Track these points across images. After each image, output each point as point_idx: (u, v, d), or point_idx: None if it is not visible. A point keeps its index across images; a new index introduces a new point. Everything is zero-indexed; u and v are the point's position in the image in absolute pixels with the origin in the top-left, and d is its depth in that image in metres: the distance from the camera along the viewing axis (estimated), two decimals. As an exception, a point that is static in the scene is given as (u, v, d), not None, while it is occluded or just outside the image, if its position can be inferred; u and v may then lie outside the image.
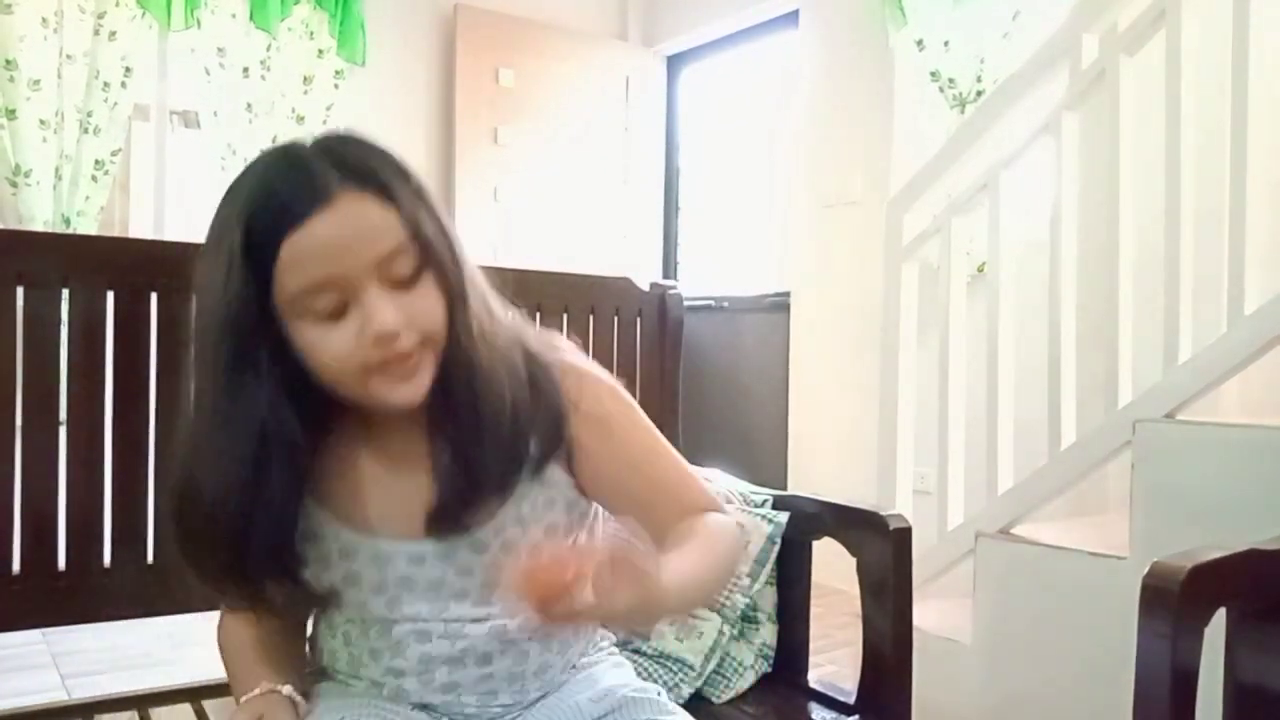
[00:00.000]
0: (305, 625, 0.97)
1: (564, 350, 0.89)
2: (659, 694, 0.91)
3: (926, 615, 2.08)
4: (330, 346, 0.76)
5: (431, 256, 0.78)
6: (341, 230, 0.74)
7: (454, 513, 0.81)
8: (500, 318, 0.85)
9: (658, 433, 0.91)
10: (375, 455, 0.86)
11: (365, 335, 0.75)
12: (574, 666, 0.94)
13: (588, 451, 0.86)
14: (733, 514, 0.89)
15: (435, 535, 0.83)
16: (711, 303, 3.92)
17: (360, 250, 0.75)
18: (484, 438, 0.80)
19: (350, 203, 0.75)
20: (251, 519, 0.78)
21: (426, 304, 0.78)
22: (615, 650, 1.01)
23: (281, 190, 0.75)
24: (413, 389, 0.78)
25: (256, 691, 0.85)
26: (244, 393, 0.77)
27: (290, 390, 0.78)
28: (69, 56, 3.12)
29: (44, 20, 3.08)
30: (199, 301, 0.80)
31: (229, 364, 0.77)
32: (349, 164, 0.76)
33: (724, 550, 0.85)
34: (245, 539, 0.79)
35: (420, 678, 0.87)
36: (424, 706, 0.88)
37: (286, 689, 0.86)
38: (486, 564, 0.84)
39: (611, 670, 0.96)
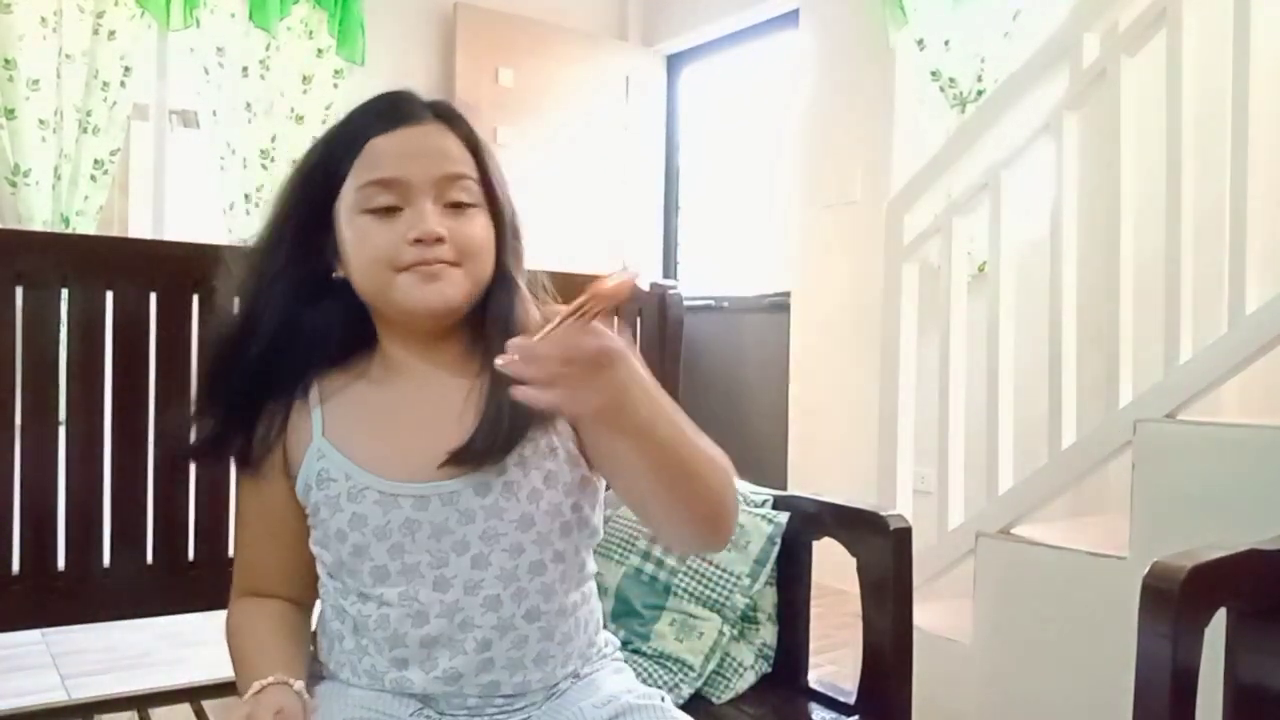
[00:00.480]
0: (311, 620, 0.97)
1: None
2: (662, 699, 0.91)
3: (926, 615, 2.08)
4: (374, 238, 0.85)
5: (492, 199, 0.89)
6: (420, 144, 0.86)
7: (477, 450, 0.84)
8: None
9: (664, 394, 0.86)
10: (396, 402, 0.90)
11: (408, 235, 0.84)
12: (576, 675, 0.93)
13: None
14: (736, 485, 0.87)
15: (450, 468, 0.85)
16: (711, 303, 3.92)
17: (429, 165, 0.85)
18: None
19: (434, 129, 0.87)
20: (269, 363, 0.89)
21: (474, 229, 0.87)
22: (618, 656, 1.01)
23: (381, 105, 0.88)
24: (436, 291, 0.84)
25: (270, 680, 0.85)
26: (285, 273, 0.88)
27: (319, 310, 0.89)
28: (68, 56, 3.13)
29: (43, 20, 3.08)
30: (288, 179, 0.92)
31: (289, 241, 0.89)
32: (443, 108, 0.90)
33: (718, 464, 0.83)
34: (253, 376, 0.89)
35: (423, 665, 0.87)
36: (426, 699, 0.88)
37: (298, 685, 0.86)
38: (488, 506, 0.86)
39: (613, 677, 0.95)
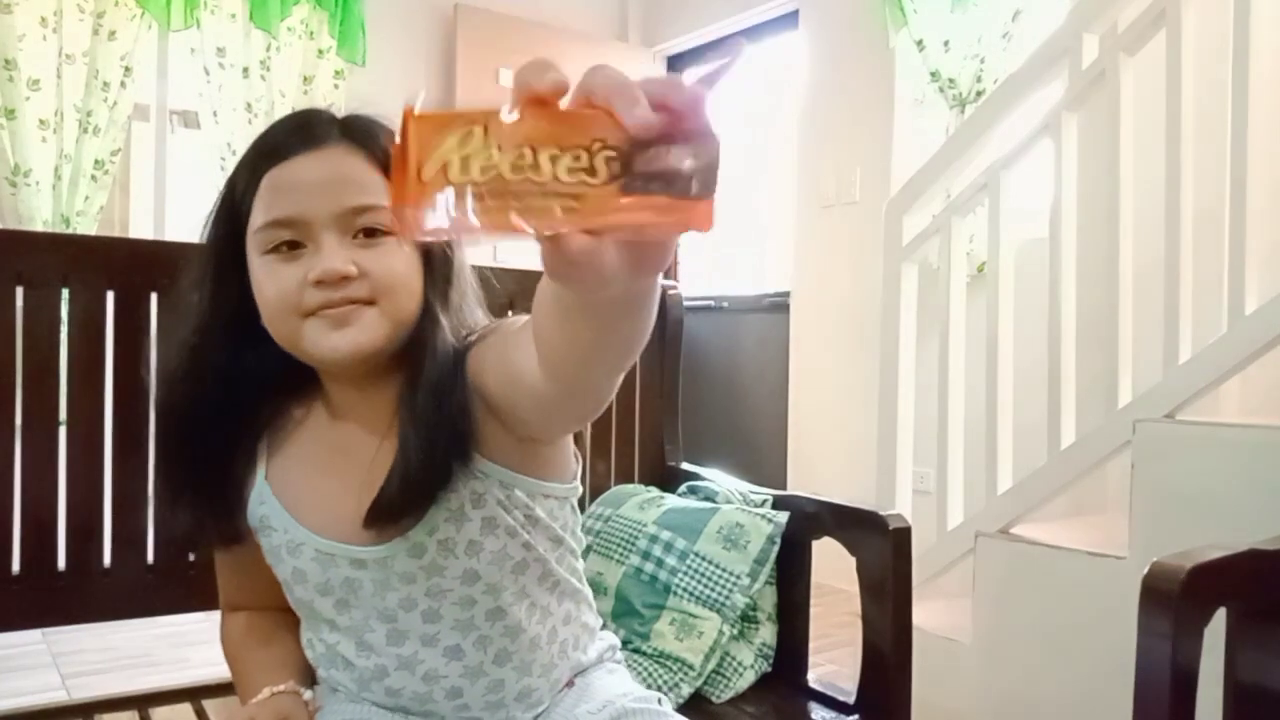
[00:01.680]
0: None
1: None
2: (659, 701, 0.90)
3: (926, 615, 2.08)
4: (276, 281, 0.77)
5: None
6: (318, 173, 0.77)
7: (389, 508, 0.78)
8: (473, 316, 0.85)
9: None
10: (333, 450, 0.85)
11: (309, 277, 0.75)
12: (570, 684, 0.92)
13: (478, 379, 0.79)
14: None
15: (372, 533, 0.79)
16: (711, 303, 3.92)
17: (329, 197, 0.76)
18: (422, 421, 0.77)
19: (337, 153, 0.78)
20: (193, 442, 0.83)
21: (389, 260, 0.77)
22: (617, 657, 1.00)
23: (280, 132, 0.80)
24: (345, 338, 0.76)
25: (281, 688, 0.86)
26: (213, 323, 0.81)
27: (260, 353, 0.81)
28: (68, 56, 3.13)
29: (43, 20, 3.08)
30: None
31: (210, 286, 0.81)
32: (350, 125, 0.80)
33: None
34: (191, 459, 0.84)
35: (393, 714, 0.86)
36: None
37: (308, 694, 0.87)
38: (426, 567, 0.81)
39: (609, 679, 0.94)
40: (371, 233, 0.77)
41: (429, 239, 0.43)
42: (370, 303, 0.77)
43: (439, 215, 0.38)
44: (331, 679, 0.88)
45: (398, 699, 0.85)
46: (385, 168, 0.71)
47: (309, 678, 0.91)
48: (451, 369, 0.79)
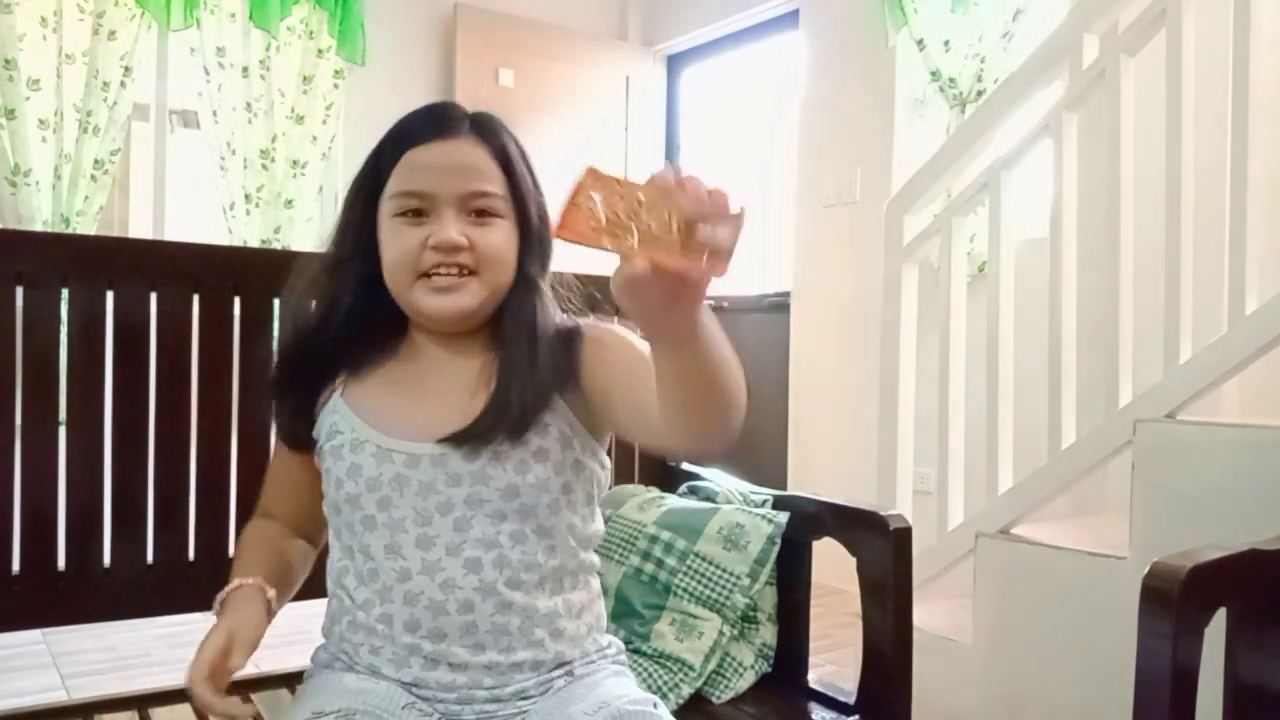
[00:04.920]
0: (316, 547, 1.05)
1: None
2: (655, 705, 0.90)
3: (926, 615, 2.08)
4: (400, 241, 0.92)
5: (518, 211, 0.95)
6: (448, 159, 0.92)
7: (482, 430, 0.89)
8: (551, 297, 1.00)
9: None
10: (411, 383, 0.96)
11: (429, 241, 0.90)
12: (571, 673, 0.94)
13: (591, 365, 0.93)
14: None
15: (448, 445, 0.90)
16: (711, 303, 3.90)
17: (456, 180, 0.92)
18: (528, 362, 0.92)
19: (465, 144, 0.93)
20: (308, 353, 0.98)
21: (495, 238, 0.93)
22: (621, 659, 1.01)
23: (422, 118, 0.95)
24: (450, 300, 0.92)
25: (238, 583, 0.91)
26: (343, 266, 0.97)
27: (371, 297, 0.96)
28: (68, 56, 3.13)
29: (43, 20, 3.08)
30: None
31: (340, 240, 0.98)
32: (479, 122, 0.96)
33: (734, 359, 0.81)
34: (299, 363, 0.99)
35: (406, 623, 0.89)
36: (415, 688, 0.90)
37: (271, 591, 0.92)
38: (474, 472, 0.90)
39: (611, 680, 0.95)
40: (483, 213, 0.93)
41: (570, 240, 0.65)
42: (473, 272, 0.92)
43: (581, 229, 0.64)
44: (348, 595, 0.93)
45: (414, 607, 0.89)
46: (503, 161, 0.95)
47: (285, 584, 0.98)
48: (556, 335, 0.95)
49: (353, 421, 0.94)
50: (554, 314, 0.98)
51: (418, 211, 0.92)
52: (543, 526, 0.93)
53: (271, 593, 0.92)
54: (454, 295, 0.92)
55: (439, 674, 0.90)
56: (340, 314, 0.97)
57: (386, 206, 0.93)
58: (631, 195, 0.64)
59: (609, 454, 1.02)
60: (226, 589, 0.91)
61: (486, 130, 0.95)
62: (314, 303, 1.02)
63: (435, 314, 0.93)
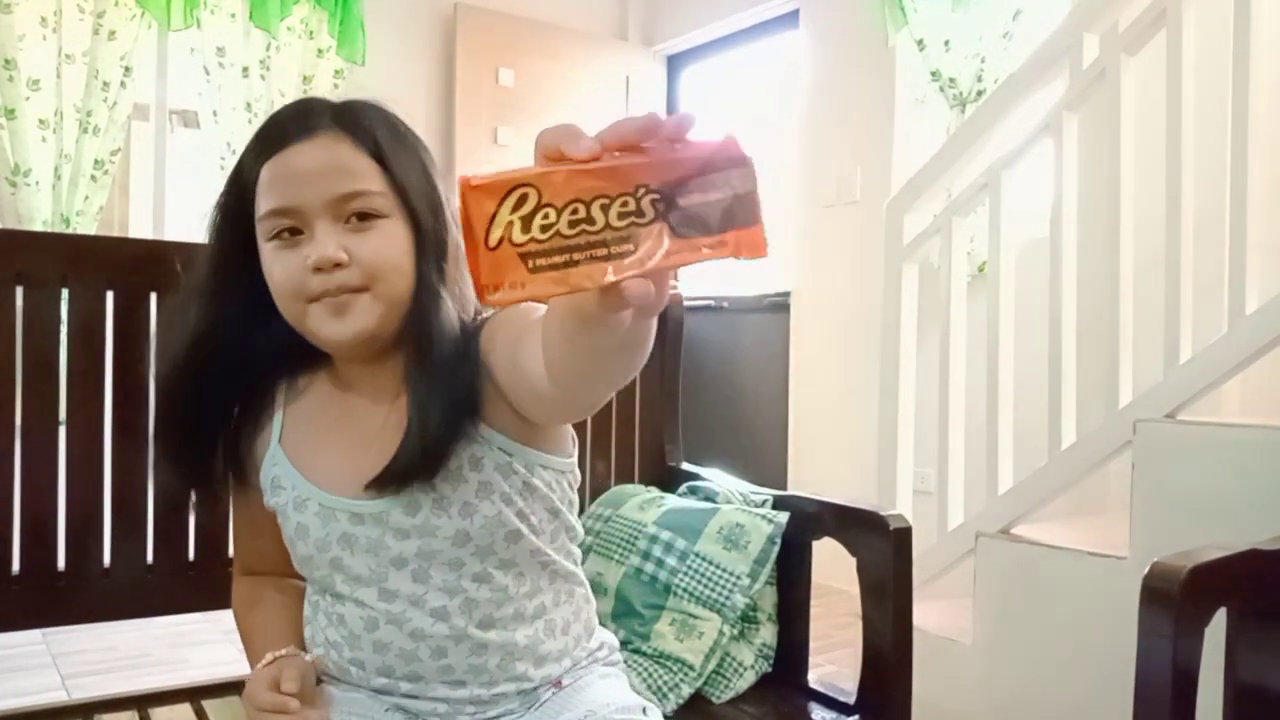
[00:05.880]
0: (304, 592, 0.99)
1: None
2: (644, 710, 0.88)
3: (926, 615, 2.08)
4: (279, 268, 0.81)
5: (405, 208, 0.82)
6: (310, 162, 0.80)
7: (401, 471, 0.81)
8: (470, 295, 0.86)
9: None
10: (340, 416, 0.89)
11: (307, 264, 0.79)
12: (558, 684, 0.92)
13: (491, 364, 0.82)
14: None
15: (374, 491, 0.83)
16: (711, 303, 3.92)
17: (319, 186, 0.80)
18: (434, 389, 0.81)
19: (327, 141, 0.82)
20: (195, 405, 0.88)
21: (381, 246, 0.81)
22: (615, 659, 1.00)
23: (279, 120, 0.84)
24: (343, 327, 0.81)
25: (282, 653, 0.87)
26: (216, 299, 0.86)
27: (272, 327, 0.86)
28: (68, 56, 3.12)
29: (43, 20, 3.08)
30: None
31: (212, 269, 0.86)
32: (341, 112, 0.84)
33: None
34: (189, 422, 0.88)
35: (379, 669, 0.87)
36: (402, 704, 0.88)
37: (308, 656, 0.89)
38: (419, 525, 0.84)
39: (599, 684, 0.93)
40: (364, 216, 0.81)
41: (517, 301, 0.43)
42: (363, 289, 0.81)
43: (513, 287, 0.42)
44: (320, 630, 0.90)
45: (385, 655, 0.86)
46: (375, 153, 0.82)
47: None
48: (462, 342, 0.82)
49: (293, 477, 0.88)
50: (462, 317, 0.84)
51: (293, 230, 0.81)
52: (505, 560, 0.87)
53: (309, 657, 0.89)
54: (348, 319, 0.80)
55: (420, 704, 0.88)
56: (238, 357, 0.87)
57: (259, 230, 0.82)
58: (559, 193, 0.42)
59: (574, 438, 0.93)
60: (267, 658, 0.87)
61: (349, 120, 0.83)
62: (197, 339, 0.87)
63: (335, 341, 0.82)
